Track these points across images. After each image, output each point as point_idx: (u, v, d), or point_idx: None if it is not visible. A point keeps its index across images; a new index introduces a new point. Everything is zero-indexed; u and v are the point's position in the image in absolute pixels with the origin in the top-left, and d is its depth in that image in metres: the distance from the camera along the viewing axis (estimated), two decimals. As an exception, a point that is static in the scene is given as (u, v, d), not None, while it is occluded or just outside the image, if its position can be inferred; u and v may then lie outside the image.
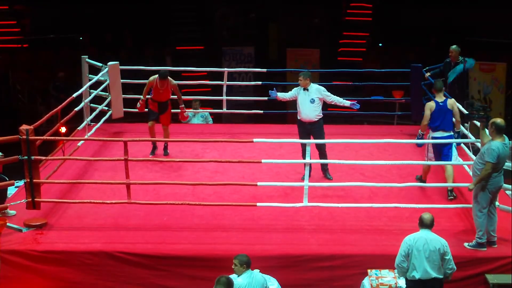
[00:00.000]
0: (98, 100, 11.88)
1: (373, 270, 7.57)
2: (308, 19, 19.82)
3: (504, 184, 8.34)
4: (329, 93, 9.65)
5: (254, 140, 8.93)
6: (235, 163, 9.52)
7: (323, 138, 9.58)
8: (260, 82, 13.90)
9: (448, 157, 9.06)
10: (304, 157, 8.76)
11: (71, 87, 14.08)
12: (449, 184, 9.08)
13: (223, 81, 12.61)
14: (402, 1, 18.45)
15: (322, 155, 9.65)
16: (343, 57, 18.74)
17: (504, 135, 7.91)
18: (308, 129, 9.59)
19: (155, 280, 7.92)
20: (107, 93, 11.91)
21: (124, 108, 12.21)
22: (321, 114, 9.66)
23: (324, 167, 9.76)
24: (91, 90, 11.56)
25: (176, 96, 10.62)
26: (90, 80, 11.62)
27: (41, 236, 8.20)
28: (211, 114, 13.36)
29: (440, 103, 9.21)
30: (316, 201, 8.66)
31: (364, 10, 19.57)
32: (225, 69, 13.59)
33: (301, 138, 9.60)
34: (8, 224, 8.20)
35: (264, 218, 8.69)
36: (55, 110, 9.71)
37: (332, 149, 10.66)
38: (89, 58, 11.98)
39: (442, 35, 16.96)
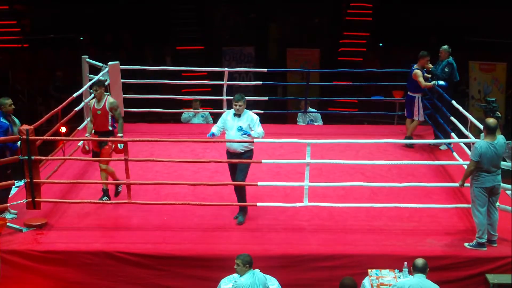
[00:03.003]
0: (98, 100, 11.86)
1: (374, 270, 7.56)
2: (308, 19, 19.82)
3: (504, 184, 8.36)
4: (259, 125, 8.48)
5: (254, 140, 8.88)
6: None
7: (242, 176, 8.43)
8: (260, 82, 13.92)
9: (414, 112, 11.20)
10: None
11: (70, 86, 14.09)
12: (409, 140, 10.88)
13: (223, 81, 12.61)
14: (402, 1, 18.45)
15: (239, 193, 8.58)
16: (343, 57, 18.73)
17: (498, 135, 7.93)
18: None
19: (155, 280, 7.92)
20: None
21: (124, 108, 12.22)
22: (250, 147, 8.54)
23: (242, 207, 8.63)
24: (91, 90, 11.53)
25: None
26: (90, 80, 11.62)
27: (41, 236, 8.20)
28: (211, 114, 13.36)
29: (411, 70, 11.21)
30: (316, 201, 8.65)
31: (364, 10, 19.55)
32: (225, 69, 13.59)
33: (229, 168, 8.72)
34: (8, 224, 8.20)
35: (264, 218, 8.69)
36: (55, 110, 9.71)
37: (333, 148, 10.69)
38: (89, 58, 11.98)
39: (442, 35, 16.96)
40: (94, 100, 9.03)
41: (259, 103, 13.60)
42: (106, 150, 8.78)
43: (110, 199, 8.87)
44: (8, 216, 8.51)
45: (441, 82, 10.94)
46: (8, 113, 8.57)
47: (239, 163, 8.45)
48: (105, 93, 9.08)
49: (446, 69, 10.99)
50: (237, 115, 8.46)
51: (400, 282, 6.91)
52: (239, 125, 8.44)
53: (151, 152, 10.59)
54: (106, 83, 9.22)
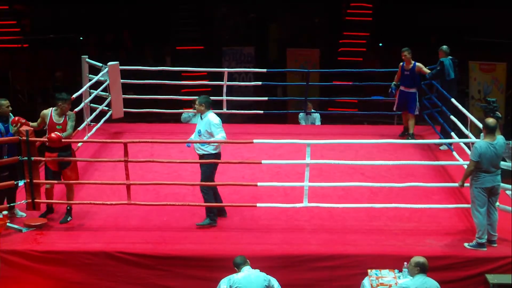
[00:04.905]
0: (98, 100, 11.88)
1: (373, 270, 7.55)
2: (308, 19, 19.84)
3: (504, 184, 8.36)
4: (218, 131, 8.26)
5: (254, 141, 8.87)
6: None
7: (202, 179, 8.43)
8: (260, 83, 13.92)
9: (412, 108, 11.23)
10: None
11: (69, 87, 14.08)
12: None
13: (223, 81, 12.61)
14: (402, 1, 18.47)
15: (203, 196, 8.47)
16: (343, 57, 18.77)
17: (498, 135, 7.94)
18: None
19: (155, 280, 7.91)
20: (107, 93, 11.92)
21: (124, 108, 12.22)
22: (209, 151, 8.34)
23: (207, 212, 8.49)
24: (91, 90, 11.56)
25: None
26: (90, 80, 11.63)
27: (41, 236, 8.19)
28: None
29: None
30: (316, 201, 8.65)
31: (364, 10, 19.59)
32: (225, 69, 13.59)
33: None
34: (8, 224, 8.20)
35: (264, 218, 8.69)
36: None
37: (333, 148, 10.67)
38: (89, 58, 11.98)
39: (442, 35, 16.98)
40: (52, 110, 8.37)
41: (259, 103, 13.63)
42: (74, 166, 8.45)
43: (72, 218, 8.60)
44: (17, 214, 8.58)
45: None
46: (4, 114, 8.51)
47: (201, 166, 8.39)
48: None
49: (439, 68, 11.08)
50: (201, 117, 8.31)
51: (404, 283, 6.86)
52: (198, 129, 8.37)
53: (151, 152, 10.59)
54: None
